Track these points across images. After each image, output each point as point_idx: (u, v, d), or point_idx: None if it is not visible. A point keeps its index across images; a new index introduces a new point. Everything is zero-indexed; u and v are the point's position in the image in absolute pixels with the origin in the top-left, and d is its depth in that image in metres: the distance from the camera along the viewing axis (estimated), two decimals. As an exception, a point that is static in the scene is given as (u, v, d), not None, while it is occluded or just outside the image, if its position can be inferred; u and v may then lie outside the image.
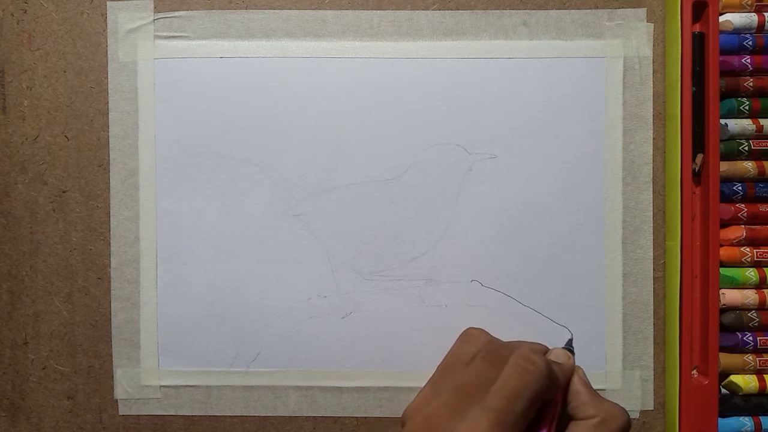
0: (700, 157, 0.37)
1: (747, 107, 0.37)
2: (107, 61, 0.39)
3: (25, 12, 0.39)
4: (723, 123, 0.37)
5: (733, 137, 0.38)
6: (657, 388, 0.39)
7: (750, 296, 0.37)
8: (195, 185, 0.39)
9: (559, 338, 0.38)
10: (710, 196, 0.37)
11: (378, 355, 0.39)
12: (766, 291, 0.37)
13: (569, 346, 0.36)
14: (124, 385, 0.39)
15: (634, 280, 0.39)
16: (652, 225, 0.38)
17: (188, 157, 0.39)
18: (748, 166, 0.37)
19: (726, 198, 0.37)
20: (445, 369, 0.33)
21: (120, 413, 0.39)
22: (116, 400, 0.39)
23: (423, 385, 0.33)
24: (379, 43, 0.39)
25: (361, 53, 0.39)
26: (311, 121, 0.39)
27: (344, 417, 0.39)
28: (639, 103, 0.38)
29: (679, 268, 0.37)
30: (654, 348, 0.38)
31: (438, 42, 0.38)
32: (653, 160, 0.38)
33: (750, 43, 0.37)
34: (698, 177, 0.38)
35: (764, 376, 0.37)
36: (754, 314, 0.37)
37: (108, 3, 0.39)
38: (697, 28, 0.38)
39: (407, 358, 0.39)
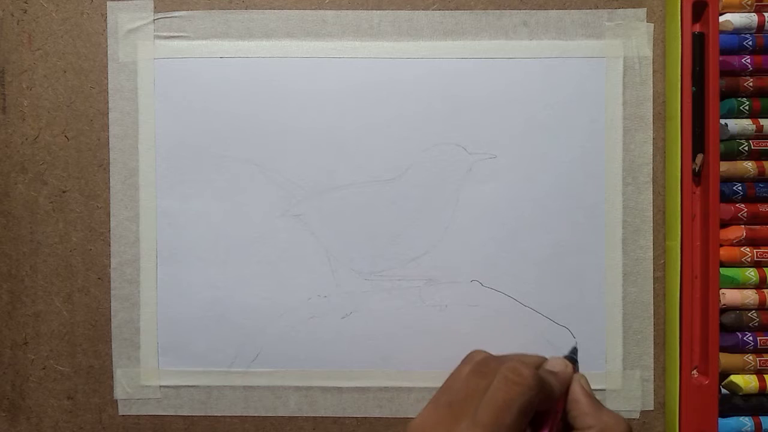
0: (700, 157, 0.37)
1: (747, 107, 0.37)
2: (107, 61, 0.39)
3: (25, 12, 0.39)
4: (723, 123, 0.37)
5: (733, 137, 0.38)
6: (657, 388, 0.39)
7: (750, 296, 0.37)
8: (195, 185, 0.39)
9: (559, 338, 0.38)
10: (710, 196, 0.37)
11: (378, 355, 0.39)
12: (766, 291, 0.37)
13: (572, 355, 0.36)
14: (123, 385, 0.39)
15: (634, 280, 0.39)
16: (652, 225, 0.38)
17: (188, 157, 0.39)
18: (748, 166, 0.37)
19: (726, 198, 0.37)
20: (444, 387, 0.33)
21: (120, 413, 0.39)
22: (116, 400, 0.39)
23: (427, 396, 0.33)
24: (379, 43, 0.39)
25: (361, 53, 0.39)
26: (311, 121, 0.39)
27: (344, 417, 0.39)
28: (639, 103, 0.38)
29: (679, 268, 0.37)
30: (654, 348, 0.38)
31: (438, 42, 0.38)
32: (653, 160, 0.38)
33: (750, 43, 0.37)
34: (698, 177, 0.38)
35: (764, 376, 0.37)
36: (754, 314, 0.37)
37: (108, 3, 0.39)
38: (697, 28, 0.38)
39: (407, 359, 0.39)
